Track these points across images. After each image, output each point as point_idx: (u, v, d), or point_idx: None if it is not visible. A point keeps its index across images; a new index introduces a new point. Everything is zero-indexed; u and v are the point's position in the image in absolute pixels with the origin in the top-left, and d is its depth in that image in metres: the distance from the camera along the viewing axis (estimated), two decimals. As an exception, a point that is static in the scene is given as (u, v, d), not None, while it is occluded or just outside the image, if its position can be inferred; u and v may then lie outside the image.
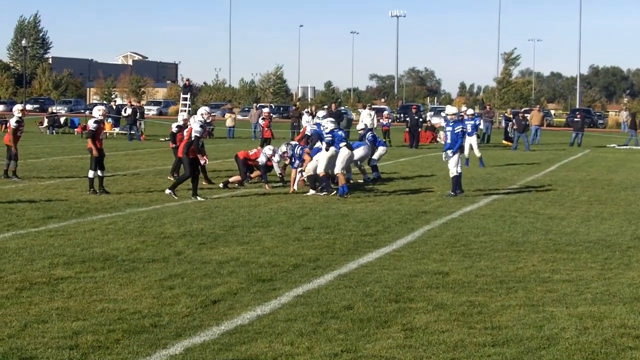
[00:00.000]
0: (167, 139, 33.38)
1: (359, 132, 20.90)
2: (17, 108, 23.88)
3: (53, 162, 28.44)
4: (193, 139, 19.42)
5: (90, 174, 20.03)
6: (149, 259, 12.09)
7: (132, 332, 8.40)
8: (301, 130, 27.05)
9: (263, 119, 36.66)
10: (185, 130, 21.68)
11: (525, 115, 49.51)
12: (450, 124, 20.80)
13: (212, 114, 23.60)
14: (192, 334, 8.39)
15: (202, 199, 19.13)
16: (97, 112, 20.89)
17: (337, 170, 20.45)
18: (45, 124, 52.42)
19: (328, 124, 20.73)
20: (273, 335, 8.38)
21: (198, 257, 12.33)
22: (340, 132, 21.05)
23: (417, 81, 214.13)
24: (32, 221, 15.42)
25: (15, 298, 9.66)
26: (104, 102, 51.35)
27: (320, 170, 20.39)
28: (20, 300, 9.56)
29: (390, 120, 49.64)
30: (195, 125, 19.69)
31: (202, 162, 19.78)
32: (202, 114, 20.17)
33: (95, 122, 20.50)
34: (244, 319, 8.97)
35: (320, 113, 23.37)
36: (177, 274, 11.09)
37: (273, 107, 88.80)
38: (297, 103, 75.43)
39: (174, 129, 23.68)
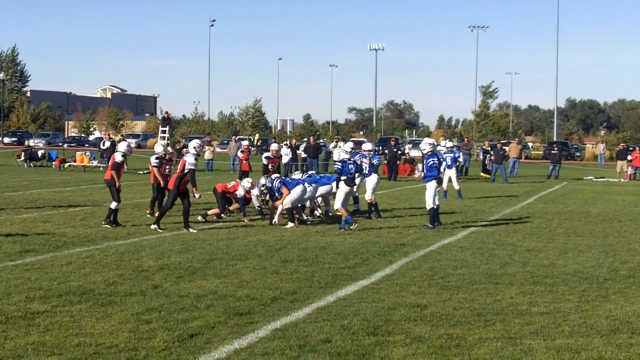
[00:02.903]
0: (146, 171, 33.29)
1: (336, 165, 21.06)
2: None
3: (30, 196, 28.31)
4: (187, 171, 19.48)
5: (113, 205, 20.10)
6: (126, 292, 12.02)
7: (109, 366, 8.34)
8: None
9: (242, 151, 36.69)
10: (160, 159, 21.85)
11: (504, 147, 49.73)
12: (425, 158, 21.11)
13: (204, 146, 23.52)
14: (169, 368, 8.33)
15: (193, 231, 19.17)
16: (125, 147, 21.28)
17: (338, 205, 20.46)
18: (23, 157, 52.23)
19: (342, 153, 20.88)
20: (250, 369, 8.34)
21: (175, 290, 12.27)
22: (350, 166, 20.86)
23: (396, 114, 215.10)
24: (9, 255, 15.32)
25: (-10, 332, 9.58)
26: (111, 137, 51.07)
27: (338, 206, 20.45)
28: (-4, 335, 9.47)
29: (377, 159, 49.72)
30: (189, 157, 19.72)
31: (196, 195, 19.78)
32: (194, 147, 20.17)
33: (123, 155, 20.85)
34: (222, 352, 8.92)
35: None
36: (154, 307, 11.03)
37: (250, 139, 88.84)
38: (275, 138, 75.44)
39: (154, 162, 23.01)
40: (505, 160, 45.19)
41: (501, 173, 43.92)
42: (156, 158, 22.30)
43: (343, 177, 20.58)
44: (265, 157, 25.79)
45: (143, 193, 29.71)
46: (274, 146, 28.43)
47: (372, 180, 23.31)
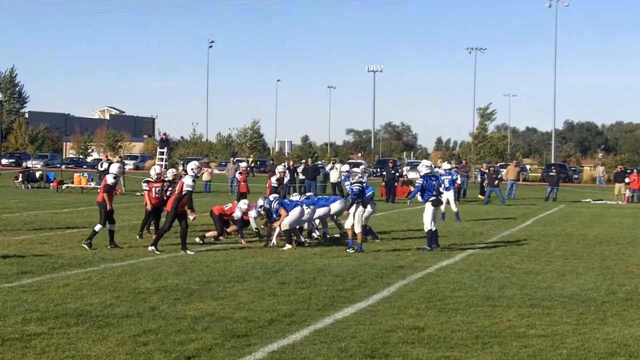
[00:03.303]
0: (142, 193, 33.22)
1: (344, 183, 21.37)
2: None
3: (28, 217, 28.29)
4: (185, 193, 19.48)
5: (97, 227, 20.10)
6: (123, 314, 12.00)
7: (105, 389, 8.31)
8: (267, 185, 27.03)
9: (240, 173, 36.71)
10: (165, 183, 21.91)
11: (499, 169, 49.71)
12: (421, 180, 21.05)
13: (202, 168, 23.55)
14: (165, 391, 8.30)
15: (191, 253, 19.17)
16: (117, 169, 21.16)
17: (348, 225, 20.43)
18: (20, 178, 52.23)
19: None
20: (247, 392, 8.31)
21: (173, 312, 12.25)
22: (357, 187, 20.81)
23: (394, 136, 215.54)
24: (6, 276, 15.29)
25: (-14, 354, 9.56)
26: (109, 159, 50.98)
27: (355, 227, 20.38)
28: (-8, 357, 9.45)
29: (367, 175, 49.81)
30: (187, 179, 19.71)
31: (191, 217, 19.72)
32: (192, 169, 20.16)
33: (114, 177, 20.73)
34: (218, 375, 8.90)
35: (446, 165, 22.73)
36: (152, 329, 11.01)
37: (258, 162, 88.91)
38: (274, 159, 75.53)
39: (144, 186, 22.97)
40: (498, 182, 45.11)
41: (497, 195, 43.95)
42: (144, 181, 22.48)
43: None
44: (276, 180, 25.72)
45: (140, 215, 29.63)
46: (280, 168, 28.63)
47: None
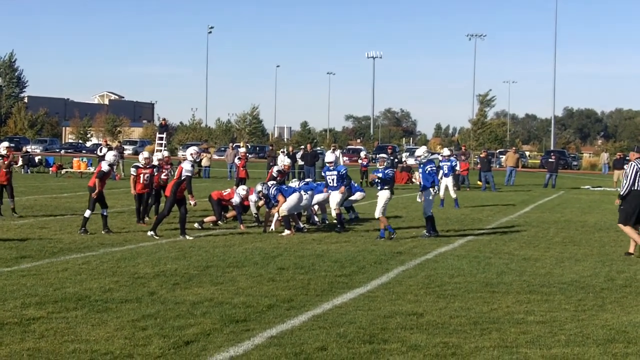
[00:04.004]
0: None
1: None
2: (3, 146, 24.70)
3: (27, 202, 28.29)
4: (184, 178, 19.48)
5: (87, 213, 20.04)
6: (122, 299, 12.00)
7: (104, 373, 8.32)
8: (268, 172, 26.89)
9: (239, 158, 36.66)
10: (155, 168, 21.90)
11: (489, 154, 49.59)
12: (421, 166, 20.94)
13: (201, 153, 23.54)
14: (164, 376, 8.31)
15: (189, 238, 19.19)
16: (112, 157, 21.11)
17: (377, 214, 20.35)
18: (20, 162, 52.19)
19: (385, 158, 21.20)
20: (246, 377, 8.32)
21: (171, 297, 12.25)
22: (392, 173, 20.86)
23: (393, 122, 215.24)
24: (5, 261, 15.30)
25: (-15, 338, 9.56)
26: (108, 144, 50.93)
27: (377, 212, 20.34)
28: (-9, 341, 9.45)
29: (368, 161, 49.83)
30: (186, 164, 19.71)
31: (192, 202, 19.72)
32: (191, 154, 20.14)
33: (109, 165, 20.74)
34: (217, 360, 8.91)
35: (421, 150, 22.50)
36: (150, 314, 11.02)
37: (249, 146, 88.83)
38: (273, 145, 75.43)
39: (132, 171, 22.87)
40: (490, 167, 45.20)
41: (489, 180, 44.06)
42: (133, 166, 22.51)
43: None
44: (277, 171, 25.66)
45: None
46: (287, 161, 28.71)
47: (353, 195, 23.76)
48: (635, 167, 17.83)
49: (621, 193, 17.96)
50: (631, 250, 18.03)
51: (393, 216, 26.28)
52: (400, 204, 31.92)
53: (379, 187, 20.38)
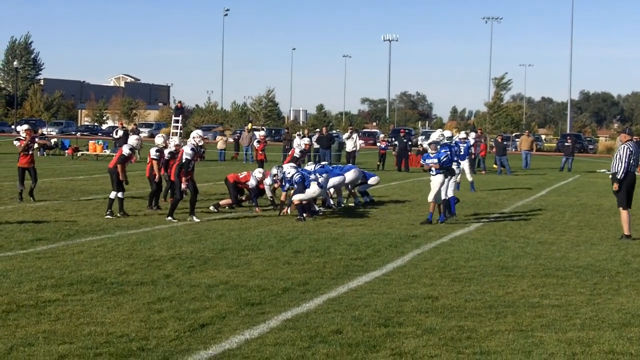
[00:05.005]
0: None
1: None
2: (22, 128, 24.82)
3: (43, 184, 28.36)
4: (184, 161, 19.43)
5: (112, 195, 20.12)
6: (137, 282, 12.04)
7: (119, 355, 8.35)
8: (290, 152, 26.74)
9: (258, 142, 36.67)
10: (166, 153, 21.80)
11: (504, 138, 49.54)
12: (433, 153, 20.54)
13: (205, 137, 23.18)
14: (179, 358, 8.34)
15: (197, 220, 19.19)
16: (135, 140, 21.25)
17: (431, 197, 20.05)
18: (36, 145, 52.28)
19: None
20: (261, 360, 8.34)
21: (187, 280, 12.28)
22: (446, 157, 20.38)
23: (409, 105, 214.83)
24: (21, 243, 15.36)
25: (1, 320, 9.60)
26: (124, 127, 50.86)
27: (431, 195, 20.09)
28: (7, 323, 9.50)
29: (386, 144, 49.68)
30: (186, 147, 19.68)
31: (183, 186, 19.43)
32: (194, 137, 20.10)
33: (131, 149, 20.86)
34: (232, 343, 8.92)
35: (447, 132, 22.59)
36: (166, 297, 11.04)
37: (265, 129, 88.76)
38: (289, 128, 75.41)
39: (154, 155, 22.09)
40: (505, 151, 45.23)
41: (505, 164, 44.07)
42: (156, 150, 21.99)
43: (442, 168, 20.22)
44: (300, 152, 25.55)
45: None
46: (306, 140, 28.91)
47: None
48: (628, 149, 17.80)
49: (618, 177, 17.84)
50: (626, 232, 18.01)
51: (408, 199, 26.27)
52: (416, 187, 31.88)
53: (433, 173, 20.17)
